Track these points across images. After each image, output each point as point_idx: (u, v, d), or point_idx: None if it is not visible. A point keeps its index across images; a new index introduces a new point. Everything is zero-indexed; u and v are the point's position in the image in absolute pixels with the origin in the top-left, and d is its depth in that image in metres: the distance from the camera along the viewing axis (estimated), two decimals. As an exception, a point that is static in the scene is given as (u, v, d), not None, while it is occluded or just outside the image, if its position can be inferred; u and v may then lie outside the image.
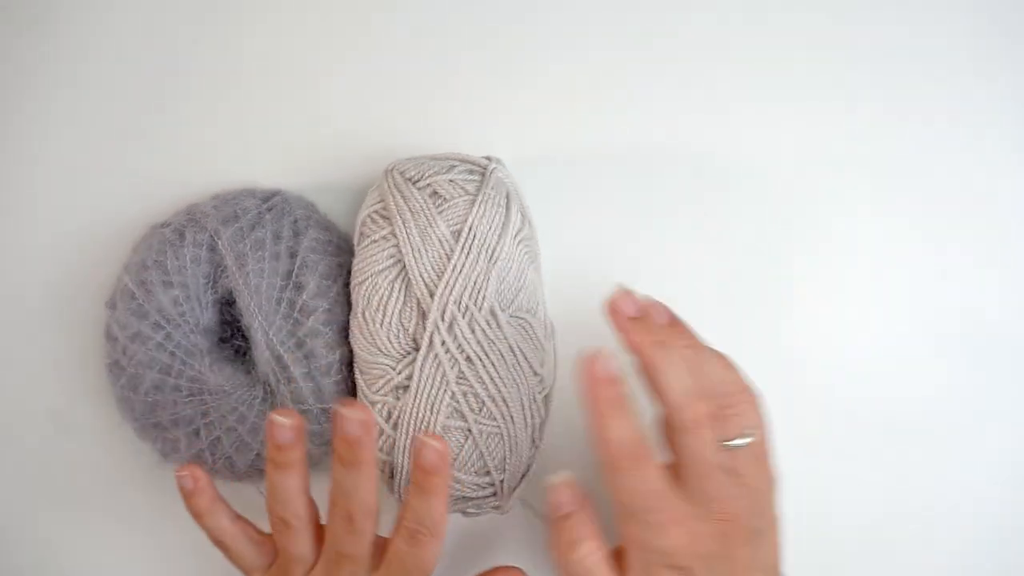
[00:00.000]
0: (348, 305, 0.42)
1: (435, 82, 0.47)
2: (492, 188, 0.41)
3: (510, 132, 0.48)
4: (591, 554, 0.37)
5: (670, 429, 0.37)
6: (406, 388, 0.41)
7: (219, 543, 0.41)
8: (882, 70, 0.49)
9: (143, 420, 0.42)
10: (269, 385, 0.42)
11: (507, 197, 0.42)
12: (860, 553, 0.48)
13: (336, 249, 0.43)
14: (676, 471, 0.37)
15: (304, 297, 0.41)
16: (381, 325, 0.41)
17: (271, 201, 0.43)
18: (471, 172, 0.42)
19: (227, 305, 0.43)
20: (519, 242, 0.42)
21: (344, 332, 0.42)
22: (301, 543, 0.40)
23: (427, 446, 0.37)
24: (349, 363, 0.42)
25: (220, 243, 0.41)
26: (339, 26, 0.47)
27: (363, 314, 0.41)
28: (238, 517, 0.41)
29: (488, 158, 0.43)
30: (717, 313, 0.48)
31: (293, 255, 0.42)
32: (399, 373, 0.41)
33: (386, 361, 0.41)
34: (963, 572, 0.48)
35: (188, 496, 0.41)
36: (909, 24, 0.49)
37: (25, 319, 0.46)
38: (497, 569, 0.42)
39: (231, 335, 0.44)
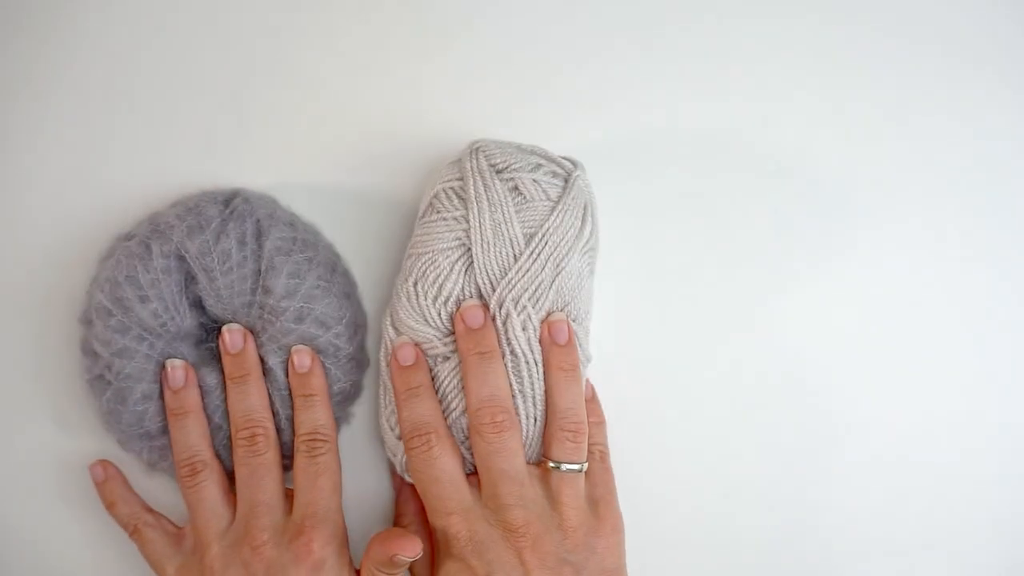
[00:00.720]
0: (324, 295, 0.43)
1: (410, 72, 0.48)
2: (573, 198, 0.42)
3: (489, 123, 0.48)
4: (410, 525, 0.43)
5: (469, 432, 0.41)
6: (447, 358, 0.42)
7: (134, 532, 0.43)
8: (936, 71, 0.50)
9: (131, 431, 0.43)
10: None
11: (585, 208, 0.42)
12: (859, 553, 0.48)
13: (302, 245, 0.44)
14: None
15: (272, 301, 0.42)
16: (433, 301, 0.42)
17: (232, 204, 0.43)
18: (555, 175, 0.42)
19: (202, 308, 0.44)
20: (585, 252, 0.43)
21: (319, 323, 0.43)
22: (210, 489, 0.42)
23: (300, 351, 0.42)
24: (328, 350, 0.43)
25: (188, 257, 0.42)
26: (296, 15, 0.47)
27: (415, 284, 0.42)
28: (152, 509, 0.44)
29: (572, 162, 0.43)
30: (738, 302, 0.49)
31: (258, 259, 0.43)
32: (445, 345, 0.42)
33: (432, 332, 0.42)
34: (963, 572, 0.49)
35: (100, 485, 0.44)
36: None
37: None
38: (400, 533, 0.42)
39: (208, 335, 0.45)
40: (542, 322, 0.41)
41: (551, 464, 0.41)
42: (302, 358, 0.43)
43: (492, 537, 0.39)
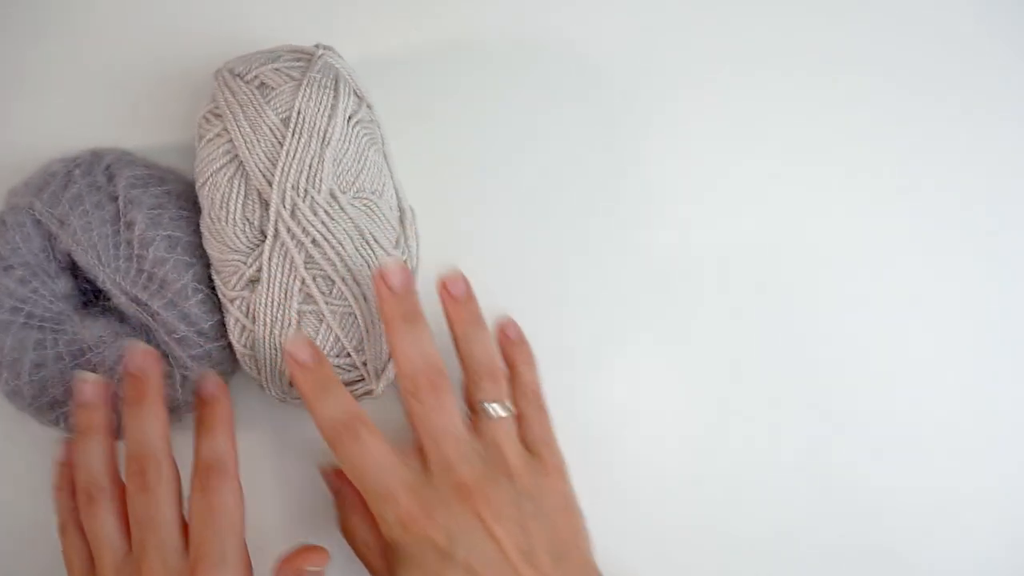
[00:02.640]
0: (189, 225, 0.42)
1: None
2: (318, 72, 0.42)
3: (354, 37, 0.48)
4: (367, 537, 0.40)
5: (403, 397, 0.40)
6: (259, 280, 0.41)
7: (63, 530, 0.41)
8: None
9: (37, 403, 0.42)
10: (145, 326, 0.42)
11: (335, 79, 0.42)
12: (860, 553, 0.47)
13: (159, 180, 0.43)
14: (419, 446, 0.39)
15: (137, 232, 0.41)
16: (227, 222, 0.41)
17: (79, 158, 0.43)
18: (297, 60, 0.42)
19: (76, 270, 0.43)
20: (355, 124, 0.42)
21: (192, 250, 0.42)
22: (105, 519, 0.39)
23: (207, 376, 0.41)
24: (206, 279, 0.42)
25: (38, 214, 0.41)
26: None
27: (209, 215, 0.41)
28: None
29: (318, 45, 0.43)
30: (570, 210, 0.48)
31: (114, 198, 0.42)
32: (250, 267, 0.41)
33: (237, 257, 0.41)
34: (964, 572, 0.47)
35: (57, 465, 0.42)
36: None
37: None
38: (303, 548, 0.40)
39: (93, 297, 0.44)
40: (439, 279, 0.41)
41: (479, 405, 0.40)
42: (207, 384, 0.41)
43: (445, 502, 0.38)
